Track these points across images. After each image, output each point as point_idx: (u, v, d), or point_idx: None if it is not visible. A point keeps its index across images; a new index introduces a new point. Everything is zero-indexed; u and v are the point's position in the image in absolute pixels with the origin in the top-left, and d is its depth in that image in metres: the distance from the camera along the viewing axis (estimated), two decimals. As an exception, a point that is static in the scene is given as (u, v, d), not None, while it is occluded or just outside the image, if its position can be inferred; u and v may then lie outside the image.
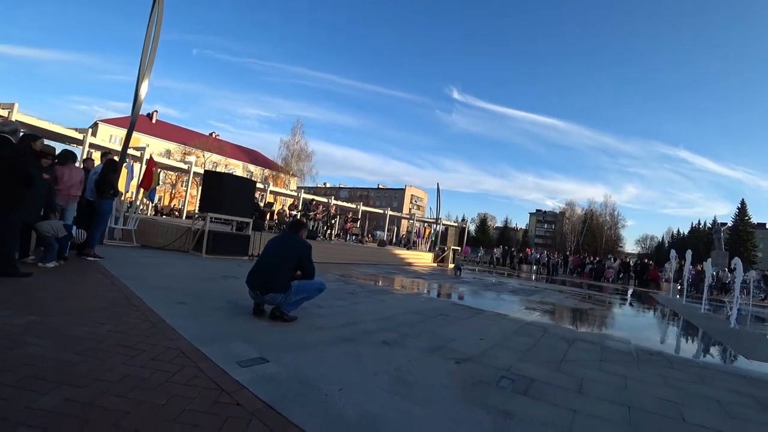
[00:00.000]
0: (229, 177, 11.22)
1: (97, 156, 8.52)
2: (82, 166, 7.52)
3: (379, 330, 4.52)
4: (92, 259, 6.69)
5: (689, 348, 6.88)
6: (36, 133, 5.53)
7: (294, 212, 19.02)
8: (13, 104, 13.77)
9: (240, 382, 2.52)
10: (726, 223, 55.82)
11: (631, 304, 13.64)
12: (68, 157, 6.58)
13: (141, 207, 14.92)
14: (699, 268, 25.64)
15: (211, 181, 10.66)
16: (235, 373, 2.66)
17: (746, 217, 61.70)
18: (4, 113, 13.71)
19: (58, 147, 7.69)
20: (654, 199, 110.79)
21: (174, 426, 1.93)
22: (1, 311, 3.31)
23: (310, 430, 2.06)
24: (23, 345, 2.65)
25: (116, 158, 8.04)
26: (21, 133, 5.09)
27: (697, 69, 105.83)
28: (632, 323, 9.26)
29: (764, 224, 68.19)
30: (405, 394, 2.71)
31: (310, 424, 2.12)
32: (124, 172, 10.33)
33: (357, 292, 7.37)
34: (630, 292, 19.43)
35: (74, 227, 5.97)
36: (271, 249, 4.36)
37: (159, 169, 14.32)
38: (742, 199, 64.53)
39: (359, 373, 3.02)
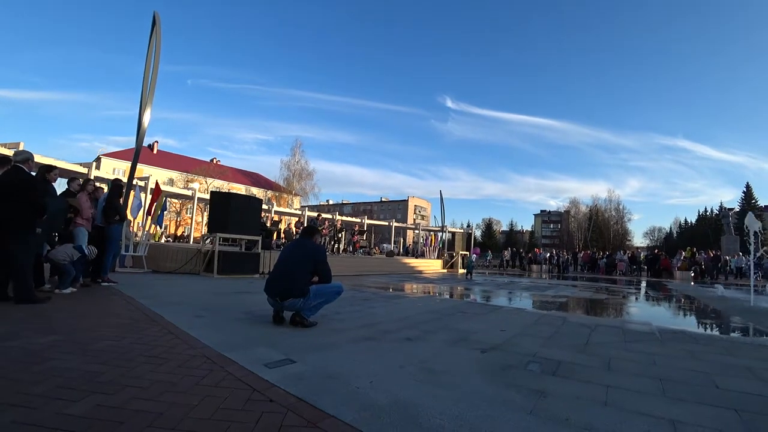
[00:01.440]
0: (236, 196, 11.31)
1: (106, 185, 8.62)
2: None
3: (399, 329, 4.50)
4: (106, 284, 6.72)
5: (711, 325, 6.78)
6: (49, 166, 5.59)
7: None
8: (18, 143, 14.02)
9: (269, 381, 2.51)
10: (733, 208, 55.27)
11: (646, 292, 13.50)
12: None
13: (154, 233, 15.05)
14: (712, 254, 25.43)
15: (218, 201, 10.74)
16: (263, 373, 2.66)
17: (753, 200, 61.06)
18: (10, 153, 13.93)
19: (63, 182, 7.82)
20: (657, 190, 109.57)
21: (211, 423, 1.91)
22: (23, 332, 3.34)
23: (347, 418, 2.04)
24: (49, 360, 2.66)
25: (122, 182, 8.10)
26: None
27: (687, 57, 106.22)
28: (650, 308, 9.17)
29: (772, 206, 67.60)
30: (435, 382, 2.69)
31: (346, 412, 2.10)
32: (131, 199, 10.43)
33: (372, 298, 7.34)
34: (644, 282, 19.23)
35: (84, 246, 5.97)
36: (286, 255, 4.38)
37: (164, 197, 14.42)
38: (747, 183, 63.80)
39: (386, 367, 3.00)
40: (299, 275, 4.13)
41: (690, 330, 5.42)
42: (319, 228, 16.96)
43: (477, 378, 2.82)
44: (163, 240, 22.89)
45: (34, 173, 5.05)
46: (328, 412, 2.09)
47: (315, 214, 22.35)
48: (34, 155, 4.94)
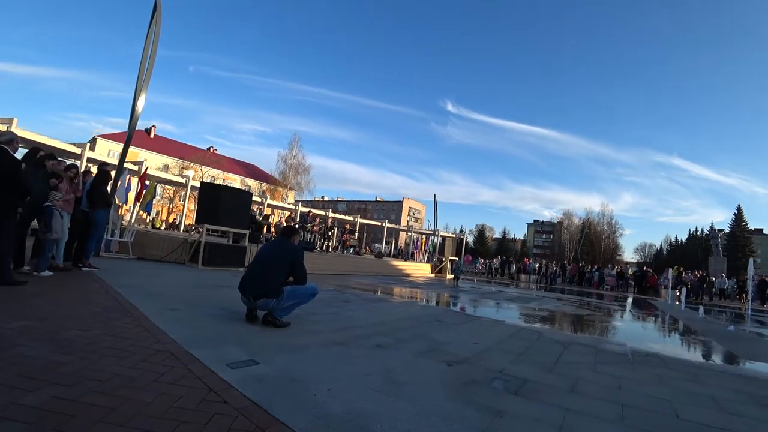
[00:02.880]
0: (226, 189, 11.26)
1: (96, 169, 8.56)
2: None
3: (372, 334, 4.51)
4: (87, 269, 6.69)
5: (686, 349, 6.84)
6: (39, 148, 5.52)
7: (291, 224, 19.03)
8: (12, 119, 13.82)
9: (228, 382, 2.51)
10: (723, 229, 55.58)
11: (629, 311, 13.59)
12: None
13: (144, 219, 14.98)
14: (698, 274, 25.67)
15: (208, 193, 10.69)
16: (224, 373, 2.66)
17: (743, 223, 61.55)
18: (3, 128, 13.75)
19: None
20: (650, 207, 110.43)
21: (160, 422, 1.92)
22: (-6, 316, 3.32)
23: (296, 426, 2.05)
24: (15, 346, 2.66)
25: (109, 168, 8.05)
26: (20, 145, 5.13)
27: (690, 77, 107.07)
28: (629, 328, 9.22)
29: (761, 230, 68.16)
30: (395, 393, 2.70)
31: (297, 420, 2.11)
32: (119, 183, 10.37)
33: (352, 300, 7.35)
34: (629, 299, 19.36)
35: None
36: (263, 254, 4.38)
37: (155, 183, 14.36)
38: (738, 205, 64.15)
39: (350, 374, 3.01)
40: (274, 275, 4.13)
41: (663, 353, 5.46)
42: (310, 224, 16.96)
43: (438, 392, 2.84)
44: (162, 227, 22.79)
45: (18, 156, 5.00)
46: (278, 419, 2.10)
47: (306, 210, 22.29)
48: (28, 132, 4.90)
